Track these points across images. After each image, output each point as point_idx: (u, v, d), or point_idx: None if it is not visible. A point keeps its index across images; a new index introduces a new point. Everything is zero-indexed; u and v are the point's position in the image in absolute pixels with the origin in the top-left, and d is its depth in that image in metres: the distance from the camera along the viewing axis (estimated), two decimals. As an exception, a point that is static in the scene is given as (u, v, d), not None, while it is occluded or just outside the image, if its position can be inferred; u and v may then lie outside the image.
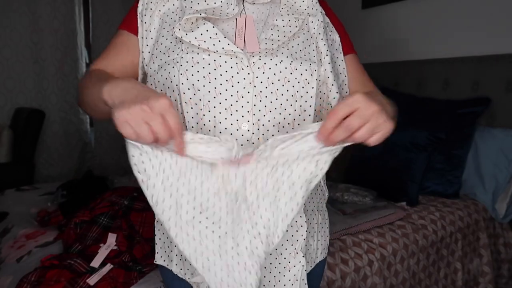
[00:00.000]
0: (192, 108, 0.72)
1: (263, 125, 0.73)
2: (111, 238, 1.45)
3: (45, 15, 3.18)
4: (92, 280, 1.24)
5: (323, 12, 0.86)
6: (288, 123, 0.74)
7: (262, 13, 0.81)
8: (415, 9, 2.42)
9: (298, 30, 0.79)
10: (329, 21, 0.86)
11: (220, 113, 0.71)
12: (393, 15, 2.54)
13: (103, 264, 1.33)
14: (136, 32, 0.82)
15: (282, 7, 0.81)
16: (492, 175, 1.94)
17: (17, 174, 2.81)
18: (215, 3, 0.77)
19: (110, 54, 0.84)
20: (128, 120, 0.55)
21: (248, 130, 0.72)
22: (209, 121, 0.72)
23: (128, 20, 0.84)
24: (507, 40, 2.03)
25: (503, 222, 1.96)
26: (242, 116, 0.71)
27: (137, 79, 0.84)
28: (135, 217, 1.55)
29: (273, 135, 0.72)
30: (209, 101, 0.72)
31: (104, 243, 1.44)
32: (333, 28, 0.86)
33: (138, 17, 0.81)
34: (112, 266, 1.31)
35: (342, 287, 1.37)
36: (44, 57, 3.21)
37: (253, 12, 0.81)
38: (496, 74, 2.07)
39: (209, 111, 0.71)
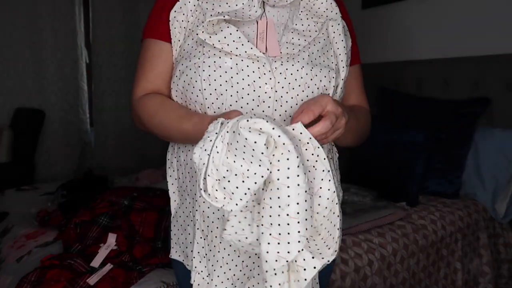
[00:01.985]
0: (215, 112, 0.74)
1: None
2: (111, 238, 1.45)
3: (45, 15, 3.18)
4: (92, 280, 1.24)
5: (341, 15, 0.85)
6: None
7: (283, 16, 0.81)
8: (415, 9, 2.41)
9: (318, 34, 0.80)
10: (345, 24, 0.86)
11: None
12: (393, 15, 2.54)
13: (103, 264, 1.33)
14: (168, 39, 0.81)
15: (301, 10, 0.81)
16: (492, 175, 1.94)
17: (17, 174, 2.81)
18: (236, 5, 0.77)
19: (146, 71, 0.84)
20: None
21: None
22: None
23: (154, 28, 0.83)
24: (507, 40, 2.03)
25: (503, 222, 1.96)
26: None
27: None
28: (135, 217, 1.55)
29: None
30: (231, 105, 0.73)
31: (104, 243, 1.44)
32: (348, 32, 0.87)
33: (170, 24, 0.81)
34: (112, 266, 1.31)
35: (342, 287, 1.37)
36: (44, 57, 3.21)
37: (273, 15, 0.81)
38: (496, 74, 2.07)
39: None
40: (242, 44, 0.72)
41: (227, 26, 0.74)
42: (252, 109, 0.73)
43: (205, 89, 0.73)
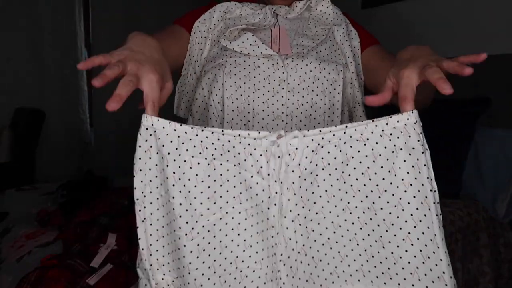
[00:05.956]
0: (233, 102, 0.84)
1: (296, 116, 0.84)
2: (111, 238, 1.45)
3: (45, 15, 3.18)
4: (92, 280, 1.24)
5: (347, 21, 0.96)
6: (319, 115, 0.86)
7: (294, 24, 0.94)
8: (415, 9, 2.42)
9: (325, 38, 0.91)
10: (352, 29, 0.96)
11: (258, 105, 0.84)
12: (393, 15, 2.54)
13: (103, 264, 1.33)
14: (189, 31, 0.92)
15: (310, 21, 0.94)
16: (492, 175, 1.94)
17: (17, 174, 2.81)
18: (254, 20, 0.91)
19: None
20: (114, 53, 0.58)
21: (283, 121, 0.83)
22: (249, 112, 0.84)
23: (184, 20, 0.94)
24: (507, 40, 2.03)
25: (503, 222, 1.96)
26: (277, 109, 0.84)
27: (171, 71, 0.84)
28: (135, 217, 1.56)
29: (305, 125, 0.83)
30: (248, 96, 0.84)
31: (104, 243, 1.44)
32: (354, 35, 0.95)
33: (192, 31, 0.92)
34: (112, 266, 1.32)
35: (342, 287, 1.36)
36: (44, 57, 3.21)
37: (285, 24, 0.93)
38: (496, 74, 2.07)
39: (248, 104, 0.84)
40: (258, 46, 0.85)
41: (244, 33, 0.88)
42: (268, 99, 0.83)
43: (225, 82, 0.84)
